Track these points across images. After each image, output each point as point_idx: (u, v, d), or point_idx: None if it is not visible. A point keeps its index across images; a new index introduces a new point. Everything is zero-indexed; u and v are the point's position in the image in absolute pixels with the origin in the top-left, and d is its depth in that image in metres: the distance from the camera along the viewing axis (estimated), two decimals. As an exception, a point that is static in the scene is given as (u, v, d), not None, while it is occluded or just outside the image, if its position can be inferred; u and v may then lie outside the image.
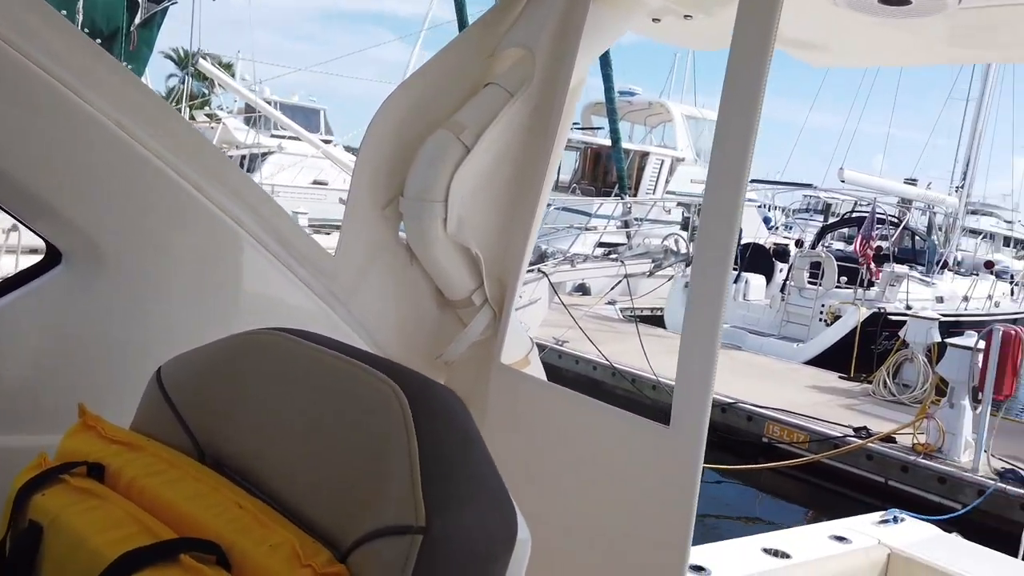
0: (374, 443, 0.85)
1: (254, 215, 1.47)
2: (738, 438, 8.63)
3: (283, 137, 19.05)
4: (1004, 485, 7.01)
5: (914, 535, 3.18)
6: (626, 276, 11.17)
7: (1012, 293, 17.37)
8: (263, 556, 0.80)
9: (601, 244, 13.12)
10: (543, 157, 1.79)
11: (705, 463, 1.36)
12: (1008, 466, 7.32)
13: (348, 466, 0.86)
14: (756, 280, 14.50)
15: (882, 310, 13.04)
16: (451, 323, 1.85)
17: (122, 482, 0.92)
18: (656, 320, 14.13)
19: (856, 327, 12.64)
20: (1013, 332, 7.10)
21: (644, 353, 9.06)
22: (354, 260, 1.70)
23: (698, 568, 2.60)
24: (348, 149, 19.70)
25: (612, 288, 12.80)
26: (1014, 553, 3.89)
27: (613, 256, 11.81)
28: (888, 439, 8.01)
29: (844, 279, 13.74)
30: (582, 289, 14.60)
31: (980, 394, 7.27)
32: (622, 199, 14.56)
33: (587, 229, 13.54)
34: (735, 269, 13.75)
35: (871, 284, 13.57)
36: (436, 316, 1.85)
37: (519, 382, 1.71)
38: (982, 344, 7.19)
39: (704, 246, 1.41)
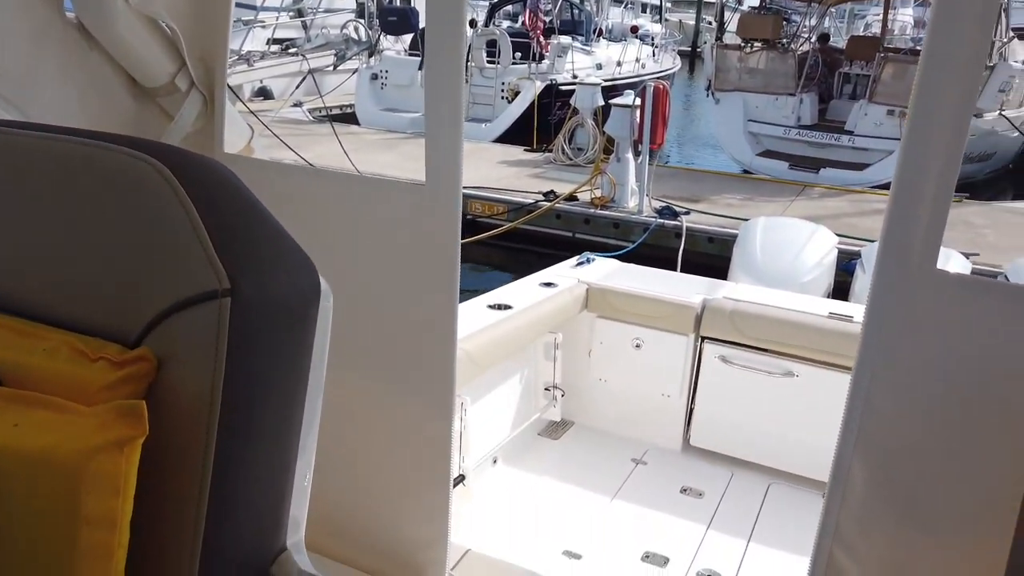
0: (144, 225, 0.77)
1: None
2: (445, 220, 9.14)
3: None
4: (662, 220, 8.40)
5: (603, 270, 3.76)
6: (310, 72, 10.59)
7: (654, 55, 19.56)
8: (40, 362, 0.71)
9: (276, 40, 12.12)
10: None
11: None
12: (664, 204, 8.74)
13: (115, 257, 0.77)
14: (439, 65, 14.57)
15: (554, 82, 14.04)
16: (154, 116, 1.61)
17: None
18: (348, 118, 13.80)
19: (533, 101, 13.54)
20: (661, 86, 8.14)
21: (344, 152, 8.92)
22: (13, 51, 1.38)
23: None
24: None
25: (297, 87, 12.11)
26: (674, 269, 4.80)
27: (292, 51, 11.02)
28: (571, 198, 9.05)
29: (518, 55, 14.39)
30: (264, 93, 13.59)
31: (639, 146, 8.40)
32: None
33: (257, 24, 12.35)
34: (418, 55, 13.68)
35: (542, 58, 14.39)
36: (133, 109, 1.60)
37: (254, 169, 1.56)
38: (638, 101, 8.18)
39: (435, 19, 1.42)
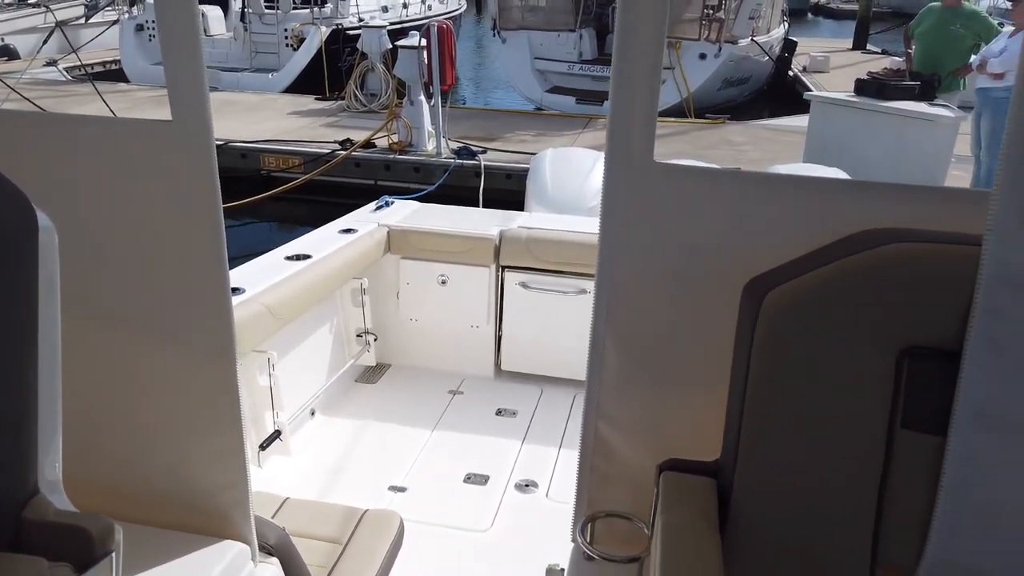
0: None
1: None
2: (238, 176, 8.67)
3: None
4: (461, 160, 8.53)
5: (403, 211, 3.80)
6: (58, 25, 9.45)
7: (442, -2, 19.39)
8: None
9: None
10: None
11: None
12: (462, 145, 8.85)
13: None
14: (214, 12, 13.60)
15: (340, 26, 13.56)
16: None
17: None
18: (115, 75, 12.52)
19: (320, 47, 13.03)
20: (444, 25, 8.14)
21: (112, 113, 8.14)
22: None
23: (234, 289, 2.75)
24: None
25: (44, 43, 10.76)
26: (476, 205, 4.95)
27: (32, 1, 9.76)
28: (369, 145, 8.92)
29: (298, -1, 13.73)
30: (7, 52, 11.94)
31: (431, 88, 8.40)
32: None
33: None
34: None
35: (325, 1, 13.81)
36: None
37: None
38: (424, 42, 8.14)
39: None
